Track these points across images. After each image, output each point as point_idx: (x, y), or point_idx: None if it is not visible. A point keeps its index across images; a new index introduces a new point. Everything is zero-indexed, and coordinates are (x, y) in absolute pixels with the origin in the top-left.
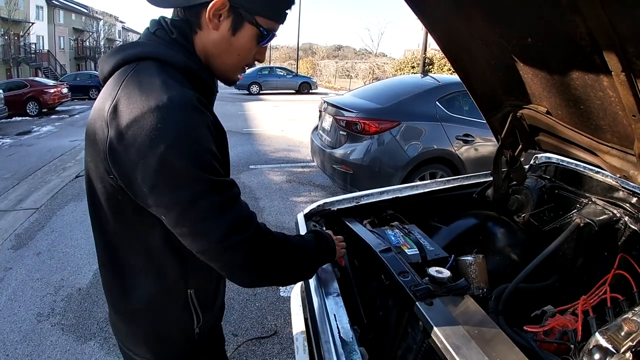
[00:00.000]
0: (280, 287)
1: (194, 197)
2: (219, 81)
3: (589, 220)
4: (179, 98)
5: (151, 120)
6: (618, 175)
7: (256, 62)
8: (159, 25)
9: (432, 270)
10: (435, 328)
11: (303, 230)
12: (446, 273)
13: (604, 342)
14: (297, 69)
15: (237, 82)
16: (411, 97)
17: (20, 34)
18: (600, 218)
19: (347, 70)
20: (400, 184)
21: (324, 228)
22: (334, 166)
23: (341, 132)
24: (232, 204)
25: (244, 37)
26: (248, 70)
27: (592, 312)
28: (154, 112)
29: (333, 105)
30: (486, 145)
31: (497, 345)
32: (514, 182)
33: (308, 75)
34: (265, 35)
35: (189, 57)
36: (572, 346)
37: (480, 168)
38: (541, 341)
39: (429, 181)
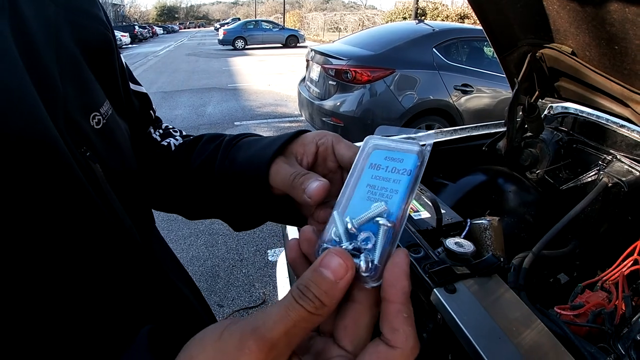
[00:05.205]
0: (269, 251)
1: None
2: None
3: (617, 180)
4: None
5: None
6: None
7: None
8: None
9: (451, 243)
10: (462, 327)
11: None
12: (469, 246)
13: None
14: (283, 22)
15: (221, 38)
16: (406, 43)
17: None
18: (628, 178)
19: (336, 23)
20: None
21: None
22: (324, 119)
23: (330, 82)
24: None
25: None
26: (232, 25)
27: (627, 288)
28: None
29: (321, 54)
30: (486, 96)
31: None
32: (528, 134)
33: (295, 29)
34: None
35: None
36: (608, 331)
37: (480, 120)
38: (571, 323)
39: (433, 131)
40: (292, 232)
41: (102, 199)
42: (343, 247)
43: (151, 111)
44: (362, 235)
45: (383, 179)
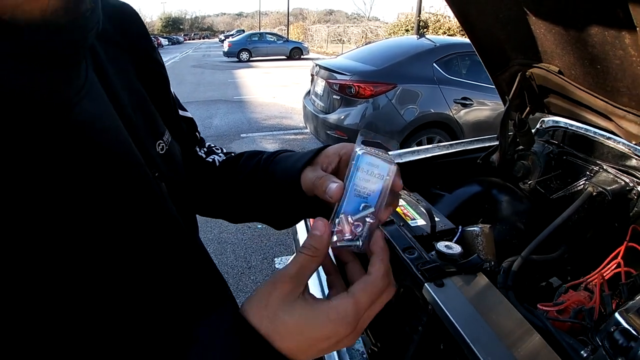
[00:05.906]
0: (276, 259)
1: None
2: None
3: (601, 189)
4: None
5: None
6: (634, 142)
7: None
8: None
9: (441, 246)
10: (448, 314)
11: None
12: (457, 248)
13: (625, 325)
14: (287, 35)
15: (226, 50)
16: (408, 58)
17: None
18: (613, 187)
19: (339, 35)
20: (397, 149)
21: None
22: (328, 132)
23: (334, 97)
24: None
25: None
26: (237, 37)
27: (608, 288)
28: None
29: (326, 69)
30: (485, 109)
31: (522, 339)
32: (521, 147)
33: (299, 41)
34: None
35: None
36: (587, 326)
37: (479, 133)
38: (554, 319)
39: (430, 146)
40: (302, 237)
41: (168, 208)
42: (347, 237)
43: (196, 133)
44: (357, 224)
45: (365, 180)
